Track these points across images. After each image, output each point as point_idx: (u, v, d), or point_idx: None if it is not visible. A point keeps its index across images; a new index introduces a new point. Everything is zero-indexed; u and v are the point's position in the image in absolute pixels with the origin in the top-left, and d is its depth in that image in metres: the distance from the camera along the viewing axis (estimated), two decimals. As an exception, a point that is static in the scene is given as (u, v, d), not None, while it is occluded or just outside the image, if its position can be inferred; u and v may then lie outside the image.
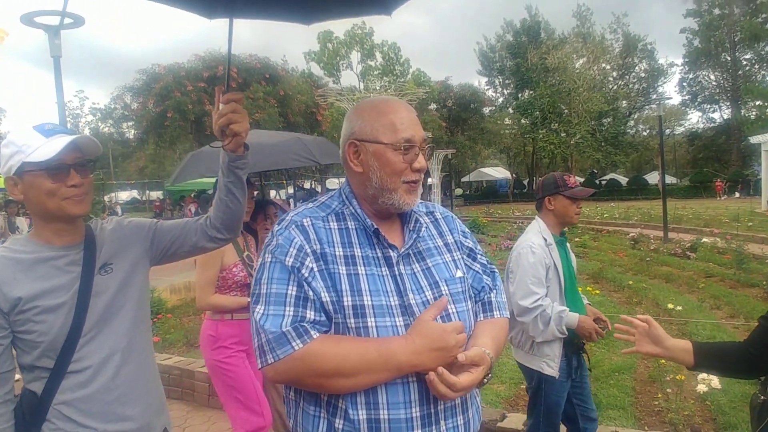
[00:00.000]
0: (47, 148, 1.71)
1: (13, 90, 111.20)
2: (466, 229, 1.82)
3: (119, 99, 40.92)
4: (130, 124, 47.92)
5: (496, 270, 1.82)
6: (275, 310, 1.43)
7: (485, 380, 1.52)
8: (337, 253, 1.50)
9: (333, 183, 59.15)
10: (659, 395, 4.87)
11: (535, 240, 3.23)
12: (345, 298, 1.45)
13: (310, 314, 1.43)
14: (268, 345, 1.41)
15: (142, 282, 2.00)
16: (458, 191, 60.89)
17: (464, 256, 1.73)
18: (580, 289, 7.11)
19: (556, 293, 3.22)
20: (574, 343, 3.26)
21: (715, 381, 4.23)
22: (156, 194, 55.20)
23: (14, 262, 1.74)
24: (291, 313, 1.42)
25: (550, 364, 3.15)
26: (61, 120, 7.40)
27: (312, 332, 1.41)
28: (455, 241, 1.73)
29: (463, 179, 67.01)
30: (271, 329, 1.40)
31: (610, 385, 5.17)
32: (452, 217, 1.81)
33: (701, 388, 4.28)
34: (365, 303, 1.45)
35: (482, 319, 1.68)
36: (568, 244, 3.52)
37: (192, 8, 2.40)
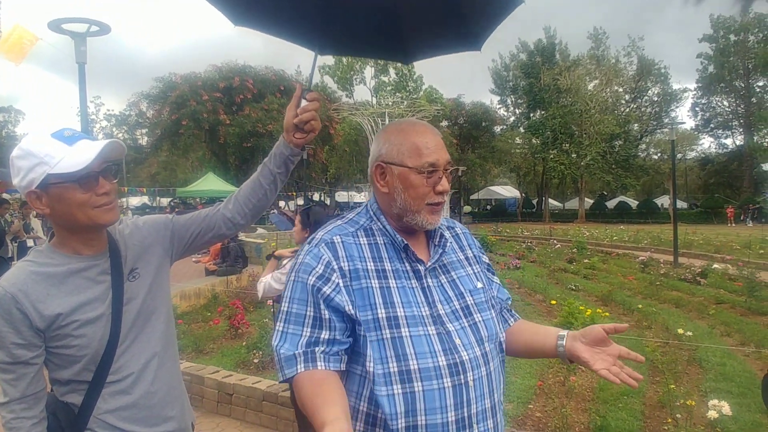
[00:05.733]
0: (75, 158, 1.60)
1: (30, 93, 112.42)
2: (479, 245, 1.91)
3: (135, 106, 41.39)
4: (144, 130, 48.43)
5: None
6: (294, 330, 1.50)
7: None
8: (368, 268, 1.56)
9: (342, 196, 59.30)
10: (668, 420, 4.84)
11: None
12: (379, 311, 1.50)
13: (325, 334, 1.48)
14: (279, 364, 1.50)
15: (166, 282, 1.96)
16: (467, 209, 60.93)
17: (484, 270, 1.81)
18: (589, 311, 7.18)
19: None
20: None
21: (726, 407, 4.21)
22: (166, 200, 55.54)
23: (44, 277, 1.65)
24: (308, 333, 1.49)
25: None
26: (83, 126, 7.52)
27: (318, 362, 1.46)
28: (474, 255, 1.81)
29: (472, 197, 67.04)
30: (286, 351, 1.48)
31: (619, 408, 5.15)
32: (469, 233, 1.89)
33: (712, 414, 4.24)
34: (398, 314, 1.51)
35: (513, 322, 1.83)
36: None
37: (223, 9, 2.44)
